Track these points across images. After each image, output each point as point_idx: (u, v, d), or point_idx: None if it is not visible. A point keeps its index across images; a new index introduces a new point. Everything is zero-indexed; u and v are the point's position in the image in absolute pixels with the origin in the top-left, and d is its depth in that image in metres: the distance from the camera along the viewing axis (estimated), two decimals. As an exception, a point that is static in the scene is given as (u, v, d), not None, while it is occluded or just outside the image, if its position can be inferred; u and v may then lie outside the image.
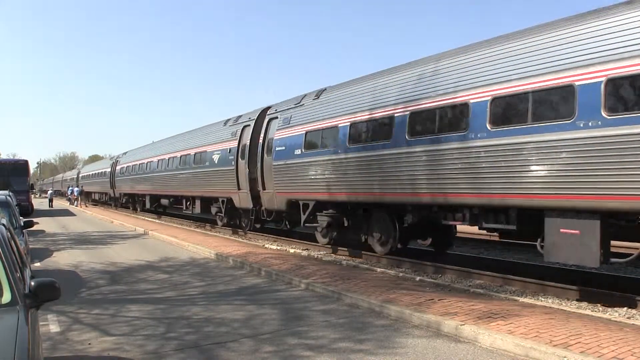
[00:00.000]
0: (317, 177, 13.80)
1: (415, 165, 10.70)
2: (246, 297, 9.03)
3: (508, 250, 14.41)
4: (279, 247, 15.54)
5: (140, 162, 32.00)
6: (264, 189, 16.40)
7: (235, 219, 20.23)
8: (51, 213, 37.00)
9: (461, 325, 6.47)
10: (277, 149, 15.61)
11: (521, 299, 8.19)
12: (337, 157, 12.95)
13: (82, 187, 53.81)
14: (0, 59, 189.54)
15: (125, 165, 36.10)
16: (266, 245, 15.99)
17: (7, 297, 3.88)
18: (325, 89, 14.68)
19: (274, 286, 10.02)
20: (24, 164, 37.09)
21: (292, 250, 14.87)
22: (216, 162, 20.06)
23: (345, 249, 13.88)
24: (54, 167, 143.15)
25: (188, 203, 24.22)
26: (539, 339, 5.80)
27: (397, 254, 12.37)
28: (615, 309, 7.69)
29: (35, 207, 37.87)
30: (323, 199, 13.81)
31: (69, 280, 10.40)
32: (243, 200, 18.15)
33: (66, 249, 16.17)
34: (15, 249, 5.03)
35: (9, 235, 4.98)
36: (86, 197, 55.17)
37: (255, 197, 17.29)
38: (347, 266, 11.82)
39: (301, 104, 15.26)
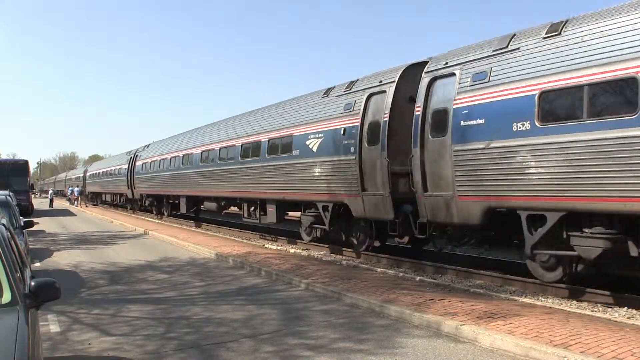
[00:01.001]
0: (582, 167, 7.85)
1: None
2: (246, 297, 9.03)
3: (508, 250, 14.39)
4: (279, 247, 15.55)
5: (173, 155, 25.55)
6: (425, 190, 10.46)
7: (337, 233, 14.07)
8: (51, 213, 37.01)
9: (461, 325, 6.47)
10: (463, 124, 9.69)
11: (521, 299, 8.19)
12: None
13: (82, 187, 53.73)
14: (0, 58, 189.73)
15: (148, 161, 29.71)
16: (266, 245, 15.99)
17: (7, 297, 3.88)
18: (568, 20, 8.71)
19: (274, 286, 10.02)
20: (24, 164, 37.12)
21: (292, 250, 14.87)
22: (314, 149, 13.87)
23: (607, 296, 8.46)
24: (54, 167, 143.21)
25: (252, 208, 17.77)
26: (539, 339, 5.80)
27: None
28: (615, 309, 7.69)
29: (35, 207, 37.89)
30: (588, 209, 8.00)
31: (69, 280, 10.40)
32: (372, 206, 12.04)
33: (66, 249, 16.17)
34: (15, 249, 5.03)
35: (9, 235, 4.98)
36: (94, 198, 50.82)
37: (400, 203, 11.55)
38: (347, 266, 11.83)
39: (511, 48, 9.28)
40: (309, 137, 14.27)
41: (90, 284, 10.40)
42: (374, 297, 8.16)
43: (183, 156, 24.11)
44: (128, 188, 34.22)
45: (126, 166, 34.78)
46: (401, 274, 10.58)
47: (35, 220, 14.74)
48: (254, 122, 18.32)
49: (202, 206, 23.82)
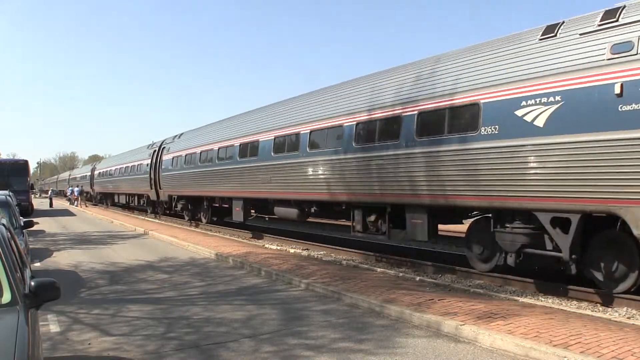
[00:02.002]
0: None
1: None
2: (246, 297, 9.03)
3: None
4: (279, 247, 15.54)
5: (222, 144, 19.75)
6: None
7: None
8: (51, 213, 37.01)
9: (461, 325, 6.48)
10: None
11: (521, 299, 8.20)
12: None
13: (81, 187, 53.71)
14: (1, 58, 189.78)
15: (182, 154, 24.16)
16: (266, 245, 15.98)
17: (7, 297, 3.88)
18: None
19: (274, 286, 10.02)
20: (24, 164, 37.12)
21: (292, 250, 14.87)
22: (539, 124, 8.45)
23: None
24: (54, 167, 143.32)
25: (373, 218, 12.22)
26: (539, 339, 5.80)
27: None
28: (615, 309, 7.71)
29: (35, 207, 37.89)
30: None
31: (69, 280, 10.41)
32: None
33: (66, 249, 16.17)
34: (15, 249, 5.03)
35: (9, 235, 4.98)
36: (104, 199, 46.43)
37: None
38: (347, 266, 11.82)
39: None
40: (525, 103, 8.69)
41: (90, 284, 10.40)
42: (374, 297, 8.17)
43: (240, 145, 18.17)
44: (151, 188, 28.43)
45: (148, 161, 29.02)
46: (401, 274, 10.58)
47: (35, 220, 14.73)
48: (384, 90, 11.92)
49: (252, 210, 18.82)
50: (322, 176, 13.51)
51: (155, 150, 28.51)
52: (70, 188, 54.96)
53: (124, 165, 35.94)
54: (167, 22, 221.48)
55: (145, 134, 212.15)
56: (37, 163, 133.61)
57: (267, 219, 17.93)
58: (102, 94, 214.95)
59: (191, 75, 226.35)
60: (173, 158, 25.31)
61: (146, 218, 29.97)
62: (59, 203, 54.21)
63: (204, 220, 23.23)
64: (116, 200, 40.95)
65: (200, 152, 21.86)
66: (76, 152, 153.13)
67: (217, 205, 21.90)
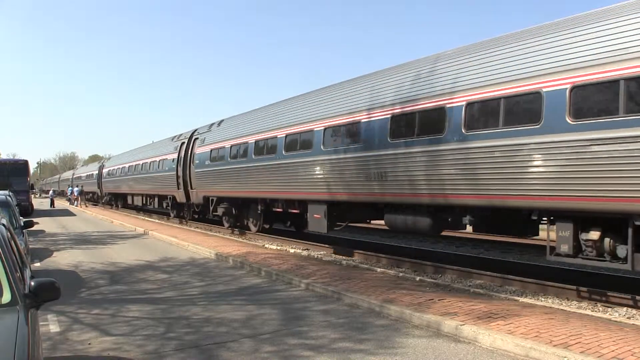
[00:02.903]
0: None
1: None
2: (246, 297, 9.03)
3: (508, 251, 14.42)
4: (279, 247, 15.53)
5: (293, 130, 14.73)
6: None
7: None
8: (51, 213, 37.00)
9: (461, 325, 6.48)
10: None
11: (521, 299, 8.20)
12: None
13: (81, 187, 53.67)
14: (0, 58, 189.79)
15: (226, 145, 19.17)
16: (266, 245, 15.98)
17: (7, 297, 3.88)
18: None
19: (274, 286, 10.02)
20: (24, 164, 37.14)
21: (292, 250, 14.86)
22: None
23: None
24: (54, 167, 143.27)
25: (609, 238, 7.53)
26: (539, 339, 5.80)
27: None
28: (615, 309, 7.71)
29: (35, 207, 37.89)
30: None
31: (69, 280, 10.40)
32: None
33: (66, 249, 16.16)
34: (15, 249, 5.03)
35: (9, 235, 4.98)
36: (114, 200, 43.03)
37: None
38: (347, 266, 11.82)
39: None
40: None
41: (90, 284, 10.40)
42: (374, 297, 8.16)
43: (325, 130, 13.22)
44: (179, 188, 23.86)
45: (174, 156, 24.50)
46: (401, 274, 10.58)
47: (35, 220, 14.74)
48: None
49: (349, 216, 13.67)
50: (490, 171, 8.90)
51: (183, 143, 23.74)
52: (70, 188, 54.92)
53: (141, 162, 30.75)
54: (169, 21, 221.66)
55: (146, 134, 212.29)
56: (37, 163, 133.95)
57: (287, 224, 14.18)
58: (103, 94, 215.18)
59: (192, 75, 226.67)
60: (211, 150, 20.40)
61: (169, 223, 25.78)
62: (59, 203, 54.19)
63: (253, 229, 18.69)
64: (129, 201, 36.00)
65: (256, 142, 16.84)
66: (76, 152, 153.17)
67: (279, 210, 16.78)
